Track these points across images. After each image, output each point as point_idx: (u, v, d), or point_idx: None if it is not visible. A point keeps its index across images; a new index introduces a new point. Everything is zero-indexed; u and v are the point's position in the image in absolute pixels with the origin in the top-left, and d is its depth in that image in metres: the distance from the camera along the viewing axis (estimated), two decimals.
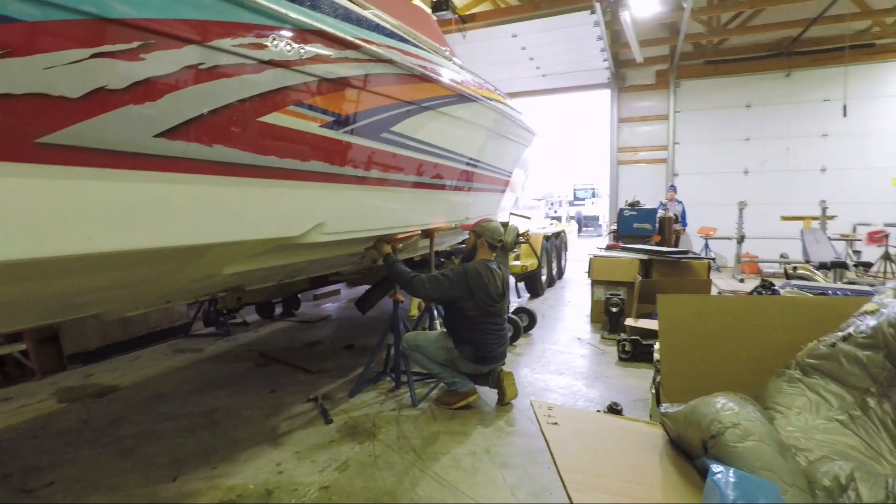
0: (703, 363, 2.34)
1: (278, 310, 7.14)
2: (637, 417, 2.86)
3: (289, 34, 2.24)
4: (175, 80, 1.78)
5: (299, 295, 7.26)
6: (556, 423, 2.03)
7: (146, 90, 1.69)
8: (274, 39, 2.15)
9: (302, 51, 2.30)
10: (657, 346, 2.85)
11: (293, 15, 2.23)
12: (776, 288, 4.01)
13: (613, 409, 3.18)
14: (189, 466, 2.87)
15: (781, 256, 9.40)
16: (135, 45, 1.61)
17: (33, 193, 1.49)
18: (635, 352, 4.53)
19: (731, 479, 1.35)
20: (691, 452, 1.81)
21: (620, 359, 4.59)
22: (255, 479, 2.69)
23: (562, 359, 4.74)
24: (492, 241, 3.80)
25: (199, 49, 1.83)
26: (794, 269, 6.25)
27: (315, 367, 4.61)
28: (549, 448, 1.83)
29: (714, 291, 5.64)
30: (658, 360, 2.61)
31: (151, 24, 1.65)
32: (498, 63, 11.77)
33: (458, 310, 3.57)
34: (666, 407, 2.02)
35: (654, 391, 2.72)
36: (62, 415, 3.78)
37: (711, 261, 6.68)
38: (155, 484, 2.69)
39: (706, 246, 10.97)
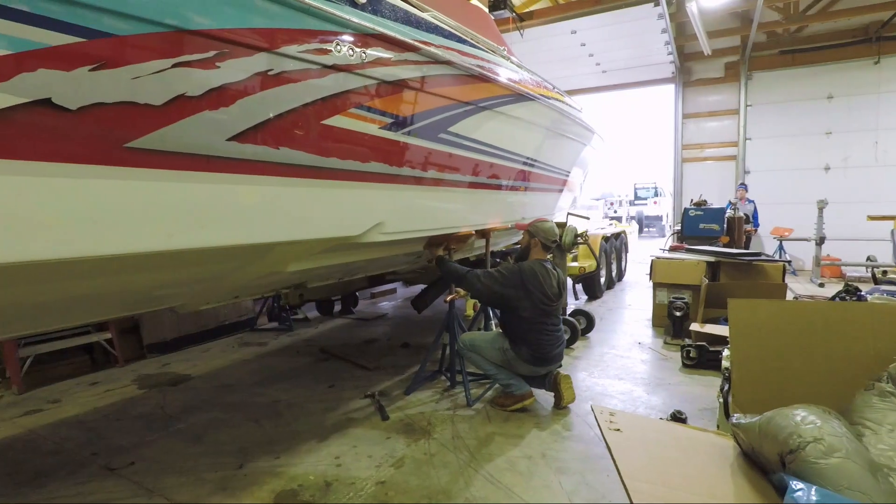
0: (778, 372, 2.19)
1: (337, 307, 7.35)
2: (704, 427, 2.72)
3: (351, 39, 2.29)
4: (246, 87, 1.87)
5: (357, 293, 7.44)
6: (618, 430, 1.97)
7: (220, 96, 1.79)
8: (337, 44, 2.21)
9: (363, 55, 2.36)
10: (726, 352, 2.71)
11: (355, 20, 2.29)
12: (863, 293, 3.71)
13: (677, 418, 3.05)
14: (254, 454, 3.00)
15: (868, 259, 8.67)
16: (211, 54, 1.71)
17: (123, 194, 1.61)
18: (701, 358, 4.33)
19: (814, 498, 1.26)
20: (766, 467, 1.70)
21: (684, 365, 4.40)
22: (315, 471, 2.78)
23: (621, 363, 4.60)
24: (545, 241, 3.74)
25: (268, 56, 1.91)
26: (884, 272, 5.76)
27: (372, 364, 4.71)
28: (611, 454, 1.78)
29: (790, 296, 5.30)
30: (727, 368, 2.48)
31: (226, 34, 1.74)
32: (556, 61, 11.58)
33: (513, 310, 3.52)
34: (738, 417, 1.91)
35: (722, 400, 2.59)
36: (142, 400, 4.06)
37: (787, 264, 6.27)
38: (223, 470, 2.84)
39: (780, 248, 10.31)
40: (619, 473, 1.64)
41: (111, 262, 1.76)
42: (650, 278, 6.07)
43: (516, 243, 6.22)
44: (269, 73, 1.94)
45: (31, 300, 1.96)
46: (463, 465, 2.78)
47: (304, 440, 3.18)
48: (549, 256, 3.80)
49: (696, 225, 7.45)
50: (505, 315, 3.66)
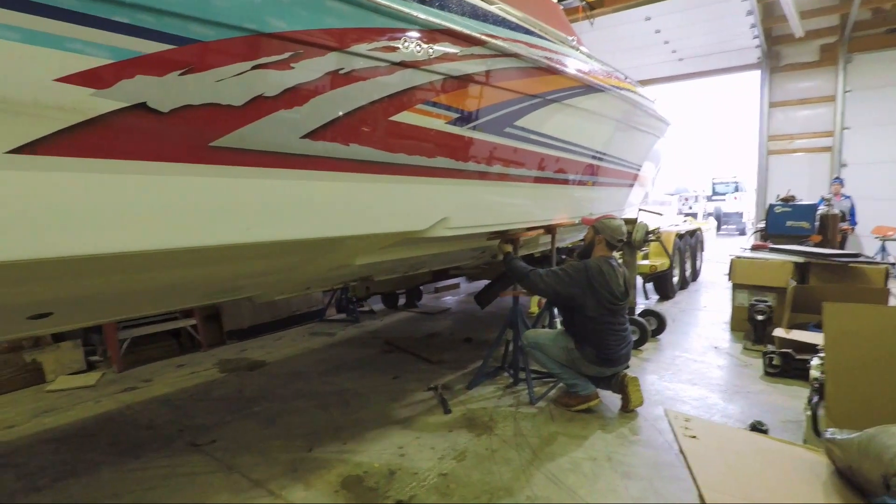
0: (880, 385, 2.00)
1: (402, 300, 7.50)
2: (789, 440, 2.53)
3: (419, 35, 2.32)
4: (318, 86, 1.94)
5: (421, 287, 7.55)
6: (694, 437, 1.87)
7: (294, 96, 1.87)
8: (405, 41, 2.25)
9: (430, 50, 2.38)
10: (816, 361, 2.51)
11: (423, 16, 2.31)
12: None
13: (757, 429, 2.86)
14: (323, 440, 3.13)
15: None
16: (286, 55, 1.79)
17: (207, 190, 1.72)
18: (785, 366, 4.03)
19: None
20: (866, 488, 1.56)
21: (766, 373, 4.11)
22: (379, 459, 2.86)
23: (695, 368, 4.37)
24: (611, 239, 3.60)
25: (338, 55, 1.97)
26: None
27: (435, 358, 4.77)
28: (685, 461, 1.70)
29: (893, 302, 4.80)
30: (818, 378, 2.29)
31: (300, 36, 1.81)
32: (629, 49, 11.15)
33: (578, 309, 3.43)
34: (832, 432, 1.76)
35: (810, 413, 2.39)
36: (222, 383, 4.34)
37: (890, 266, 5.68)
38: (294, 452, 2.98)
39: (883, 248, 9.35)
40: (695, 482, 1.56)
41: (197, 254, 1.90)
42: (729, 279, 5.72)
43: (582, 239, 6.07)
44: (340, 71, 2.00)
45: (131, 287, 2.15)
46: (525, 463, 2.76)
47: (370, 429, 3.27)
48: (615, 254, 3.66)
49: (782, 222, 6.92)
50: (568, 314, 3.57)
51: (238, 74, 1.67)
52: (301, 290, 3.57)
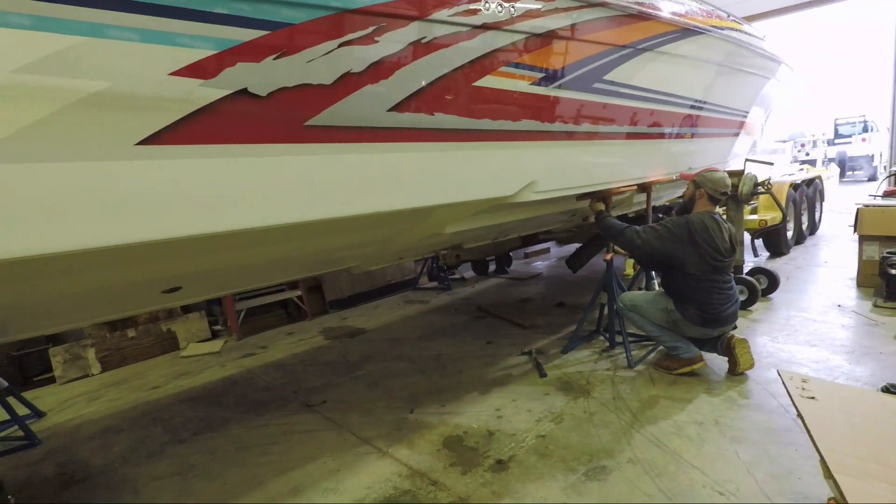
0: None
1: (492, 267, 7.54)
2: None
3: None
4: (402, 57, 1.96)
5: (511, 253, 7.53)
6: (812, 398, 1.73)
7: (380, 69, 1.90)
8: (486, 2, 2.19)
9: (512, 9, 2.30)
10: None
11: None
12: None
13: (890, 391, 2.59)
14: (422, 402, 3.28)
15: None
16: (370, 29, 1.82)
17: (305, 168, 1.82)
18: None
19: None
20: None
21: None
22: (477, 420, 2.95)
23: (814, 328, 4.00)
24: (713, 192, 3.32)
25: (420, 24, 1.97)
26: None
27: (528, 323, 4.77)
28: (804, 425, 1.57)
29: None
30: None
31: (382, 9, 1.83)
32: None
33: (678, 267, 3.23)
34: None
35: None
36: (327, 349, 4.66)
37: None
38: (397, 413, 3.16)
39: None
40: (816, 446, 1.44)
41: (299, 229, 2.03)
42: (855, 230, 5.12)
43: (680, 197, 5.69)
44: (422, 41, 2.00)
45: (246, 262, 2.36)
46: (625, 426, 2.71)
47: (467, 391, 3.38)
48: (718, 210, 3.40)
49: None
50: (668, 275, 3.37)
51: (326, 53, 1.73)
52: (395, 259, 3.71)
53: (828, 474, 1.34)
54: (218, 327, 5.57)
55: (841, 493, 1.24)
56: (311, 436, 2.99)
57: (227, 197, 1.66)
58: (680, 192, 5.63)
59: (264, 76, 1.62)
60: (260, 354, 4.70)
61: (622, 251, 3.80)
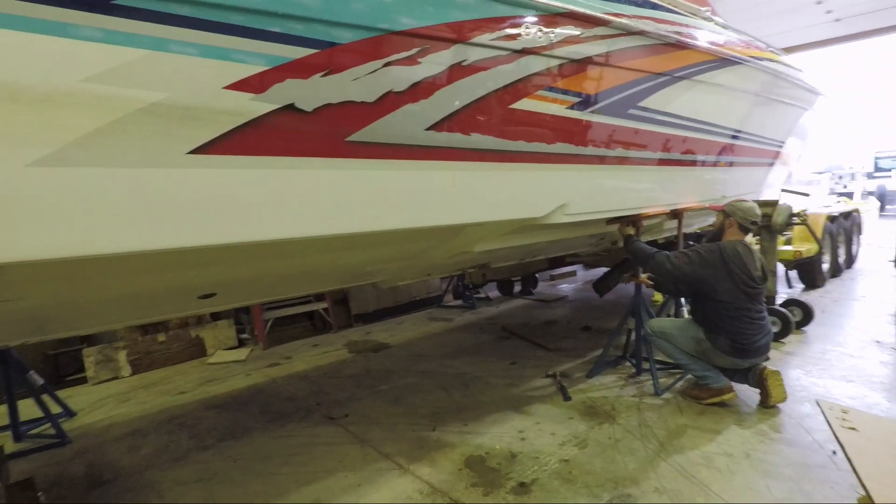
0: None
1: (517, 288, 7.50)
2: None
3: (539, 20, 2.30)
4: (442, 78, 2.01)
5: (537, 274, 7.49)
6: (853, 429, 1.67)
7: (420, 90, 1.96)
8: (525, 27, 2.24)
9: (552, 35, 2.34)
10: None
11: (544, 1, 2.28)
12: None
13: None
14: (445, 420, 3.27)
15: None
16: (414, 51, 1.88)
17: (343, 182, 1.87)
18: None
19: None
20: None
21: None
22: (499, 441, 2.92)
23: (850, 363, 3.86)
24: (743, 221, 3.30)
25: (462, 47, 2.03)
26: None
27: (552, 345, 4.73)
28: (845, 453, 1.52)
29: None
30: None
31: (427, 31, 1.89)
32: (773, 14, 9.93)
33: (709, 293, 3.17)
34: None
35: None
36: (351, 362, 4.69)
37: None
38: (419, 430, 3.15)
39: None
40: (858, 476, 1.39)
41: (333, 241, 2.08)
42: (895, 265, 4.95)
43: (710, 225, 5.60)
44: (463, 63, 2.05)
45: (281, 272, 2.41)
46: (651, 455, 2.65)
47: (490, 412, 3.35)
48: (748, 239, 3.35)
49: None
50: (698, 303, 3.31)
51: (371, 73, 1.79)
52: (422, 275, 3.74)
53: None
54: (245, 336, 5.66)
55: None
56: (332, 449, 3.00)
57: (270, 207, 1.72)
58: (711, 221, 5.55)
59: (311, 92, 1.69)
60: (285, 365, 4.76)
61: (647, 282, 3.74)
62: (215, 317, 5.44)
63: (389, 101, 1.89)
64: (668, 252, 3.31)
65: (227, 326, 5.42)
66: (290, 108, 1.66)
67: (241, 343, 5.53)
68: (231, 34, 1.48)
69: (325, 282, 3.37)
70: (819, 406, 1.88)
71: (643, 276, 3.79)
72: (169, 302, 2.51)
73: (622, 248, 3.66)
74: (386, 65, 1.81)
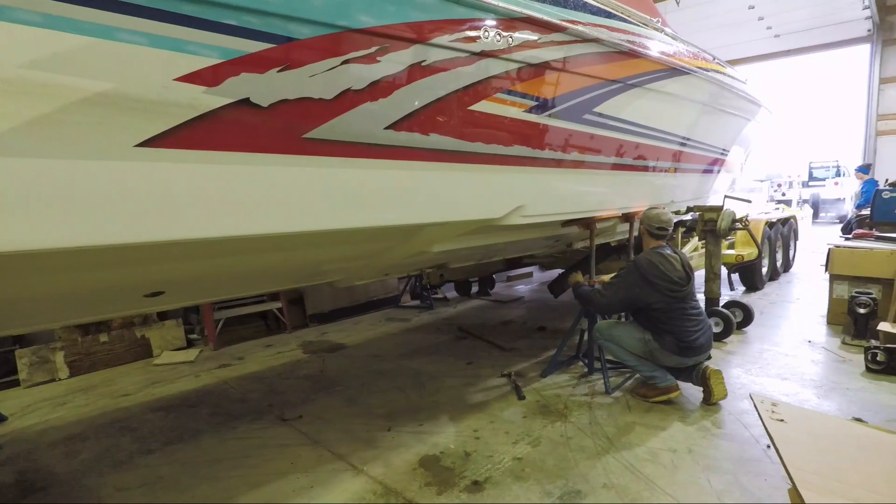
0: None
1: (475, 288, 7.56)
2: (887, 428, 2.31)
3: (499, 24, 2.33)
4: (402, 78, 2.01)
5: (494, 275, 7.57)
6: (781, 421, 1.79)
7: (380, 88, 1.95)
8: (485, 31, 2.27)
9: (510, 39, 2.38)
10: None
11: (503, 5, 2.32)
12: None
13: None
14: (400, 420, 3.26)
15: None
16: (373, 49, 1.87)
17: (300, 180, 1.85)
18: (891, 363, 3.70)
19: None
20: None
21: (868, 369, 3.79)
22: (454, 441, 2.95)
23: (785, 362, 4.11)
24: (650, 228, 3.51)
25: (422, 48, 2.03)
26: None
27: (508, 345, 4.79)
28: (773, 444, 1.62)
29: None
30: None
31: (386, 30, 1.88)
32: (719, 27, 10.46)
33: (644, 308, 3.37)
34: None
35: None
36: (306, 363, 4.61)
37: None
38: (374, 430, 3.13)
39: None
40: (784, 464, 1.49)
41: (288, 239, 2.04)
42: (826, 269, 5.29)
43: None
44: (423, 63, 2.06)
45: (232, 270, 2.35)
46: (601, 451, 2.73)
47: (445, 411, 3.37)
48: (660, 244, 3.50)
49: (890, 209, 6.27)
50: (639, 315, 3.48)
51: (329, 69, 1.77)
52: (380, 275, 3.72)
53: (795, 497, 1.38)
54: (194, 336, 5.46)
55: None
56: (285, 450, 2.94)
57: (222, 203, 1.68)
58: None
59: (267, 88, 1.65)
60: (236, 366, 4.62)
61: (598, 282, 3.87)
62: (162, 316, 5.23)
63: (348, 99, 1.87)
64: (596, 287, 3.52)
65: (175, 326, 5.22)
66: (245, 102, 1.62)
67: (190, 343, 5.34)
68: (183, 24, 1.43)
69: (280, 281, 3.30)
70: (752, 399, 1.99)
71: (597, 277, 3.91)
72: (112, 300, 2.40)
73: (576, 250, 3.78)
74: (344, 62, 1.80)
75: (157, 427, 3.37)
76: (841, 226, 9.07)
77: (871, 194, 7.67)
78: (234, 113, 1.61)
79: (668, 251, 3.45)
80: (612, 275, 3.61)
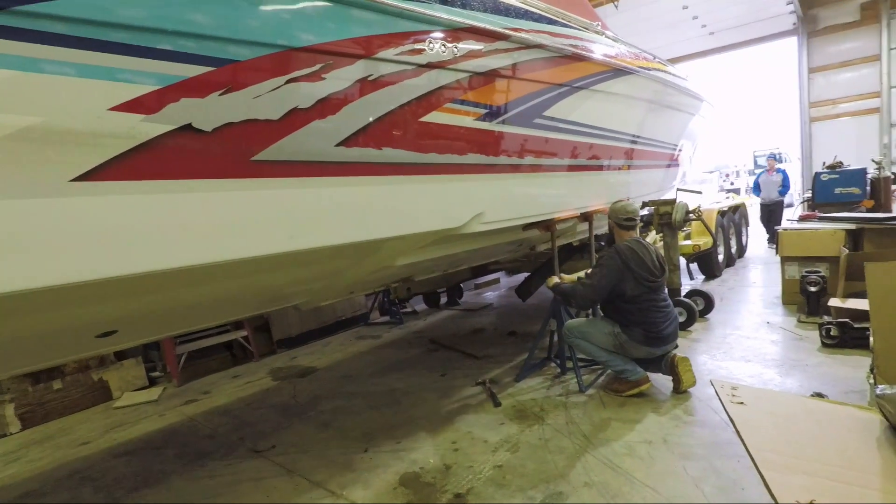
0: None
1: (443, 299, 7.55)
2: (841, 401, 2.40)
3: (443, 35, 2.35)
4: (349, 94, 2.00)
5: (462, 284, 7.58)
6: (741, 403, 1.84)
7: (328, 105, 1.93)
8: (430, 42, 2.28)
9: (455, 49, 2.41)
10: None
11: (445, 16, 2.34)
12: None
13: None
14: (377, 440, 3.20)
15: None
16: (317, 67, 1.85)
17: (251, 203, 1.80)
18: (844, 336, 3.87)
19: None
20: None
21: (824, 344, 3.96)
22: (433, 455, 2.91)
23: (747, 345, 4.25)
24: (617, 220, 3.61)
25: (367, 62, 2.03)
26: None
27: (481, 353, 4.79)
28: (734, 427, 1.67)
29: None
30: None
31: (329, 47, 1.87)
32: (656, 29, 10.89)
33: (619, 294, 3.41)
34: (883, 389, 1.72)
35: (873, 381, 2.30)
36: (276, 391, 4.48)
37: None
38: (351, 453, 3.06)
39: None
40: (745, 445, 1.53)
41: (245, 265, 1.98)
42: (777, 252, 5.53)
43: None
44: (369, 78, 2.05)
45: (188, 301, 2.26)
46: (579, 450, 2.75)
47: (422, 426, 3.32)
48: (633, 235, 3.62)
49: (830, 190, 6.64)
50: (610, 305, 3.55)
51: (273, 90, 1.74)
52: (345, 294, 3.66)
53: (757, 468, 1.41)
54: (156, 374, 5.23)
55: (767, 485, 1.32)
56: (259, 484, 2.84)
57: (172, 233, 1.61)
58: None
59: (209, 112, 1.61)
60: (203, 400, 4.45)
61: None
62: (120, 356, 4.99)
63: (295, 118, 1.84)
64: (577, 282, 3.55)
65: (135, 365, 4.99)
66: (187, 128, 1.58)
67: (153, 382, 5.11)
68: (113, 52, 1.38)
69: (242, 308, 3.20)
70: (713, 385, 2.05)
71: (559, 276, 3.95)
72: (61, 344, 2.27)
73: (540, 253, 3.82)
74: (289, 81, 1.77)
75: (121, 474, 3.20)
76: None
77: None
78: (177, 140, 1.56)
79: (644, 242, 3.54)
80: (586, 271, 3.65)
